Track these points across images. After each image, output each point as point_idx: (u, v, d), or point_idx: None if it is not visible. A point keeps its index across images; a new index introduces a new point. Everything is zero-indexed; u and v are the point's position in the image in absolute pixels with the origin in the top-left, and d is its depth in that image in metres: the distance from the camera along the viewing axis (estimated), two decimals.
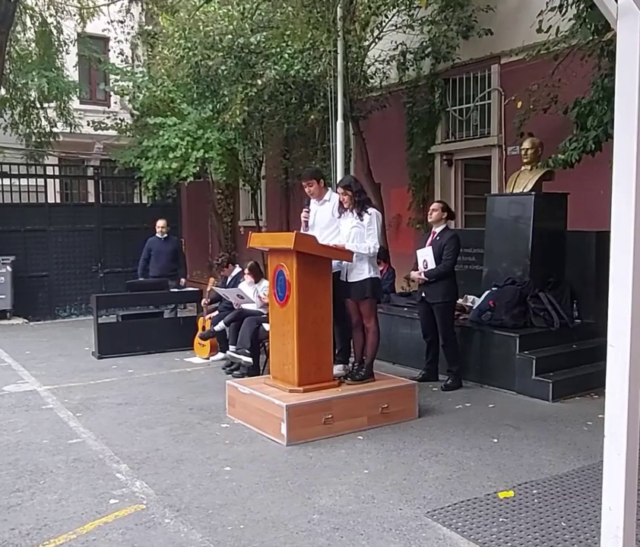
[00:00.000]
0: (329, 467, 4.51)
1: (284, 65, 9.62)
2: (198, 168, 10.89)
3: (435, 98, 10.26)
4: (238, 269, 8.34)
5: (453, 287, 6.66)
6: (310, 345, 5.26)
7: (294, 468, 4.51)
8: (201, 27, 10.33)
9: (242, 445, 5.00)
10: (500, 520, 3.66)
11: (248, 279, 7.69)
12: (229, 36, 10.09)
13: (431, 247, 6.61)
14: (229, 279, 8.37)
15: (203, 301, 8.51)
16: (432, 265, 6.56)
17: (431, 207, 6.81)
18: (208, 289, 8.45)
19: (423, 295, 6.70)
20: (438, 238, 6.64)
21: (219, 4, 10.54)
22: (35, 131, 14.62)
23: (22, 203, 12.16)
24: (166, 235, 9.97)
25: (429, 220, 6.80)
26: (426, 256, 6.63)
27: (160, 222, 9.99)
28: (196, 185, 12.87)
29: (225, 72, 10.33)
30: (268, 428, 5.14)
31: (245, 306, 7.49)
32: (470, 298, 7.47)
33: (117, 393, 6.61)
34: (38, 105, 14.50)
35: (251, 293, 7.48)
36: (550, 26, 7.05)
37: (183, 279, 10.02)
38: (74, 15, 14.37)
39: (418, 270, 6.68)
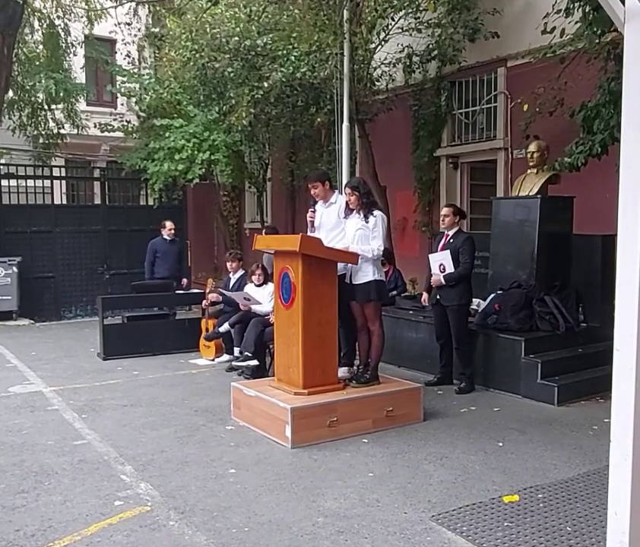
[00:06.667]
0: (334, 470, 4.51)
1: (290, 68, 9.63)
2: (203, 170, 10.92)
3: (441, 101, 10.26)
4: (242, 271, 8.33)
5: (468, 290, 6.64)
6: (315, 347, 5.26)
7: (299, 471, 4.51)
8: (208, 29, 10.36)
9: (247, 447, 5.00)
10: (505, 524, 3.65)
11: (257, 279, 7.69)
12: (236, 39, 10.11)
13: (448, 250, 6.55)
14: (232, 281, 8.36)
15: (203, 302, 8.50)
16: (449, 269, 6.52)
17: (442, 214, 6.74)
18: (207, 291, 8.44)
19: (438, 297, 6.68)
20: (452, 240, 6.61)
21: (226, 6, 10.57)
22: (42, 132, 14.70)
23: (29, 204, 12.19)
24: (172, 236, 10.03)
25: (442, 227, 6.74)
26: (442, 260, 6.57)
27: (169, 224, 10.05)
28: (202, 187, 12.90)
29: (231, 74, 10.36)
30: (273, 430, 5.14)
31: (252, 307, 7.48)
32: (476, 301, 7.42)
33: (122, 395, 6.62)
34: (45, 107, 14.56)
35: (264, 294, 7.48)
36: (555, 28, 7.03)
37: (185, 280, 10.18)
38: (82, 17, 14.43)
39: (434, 274, 6.66)
